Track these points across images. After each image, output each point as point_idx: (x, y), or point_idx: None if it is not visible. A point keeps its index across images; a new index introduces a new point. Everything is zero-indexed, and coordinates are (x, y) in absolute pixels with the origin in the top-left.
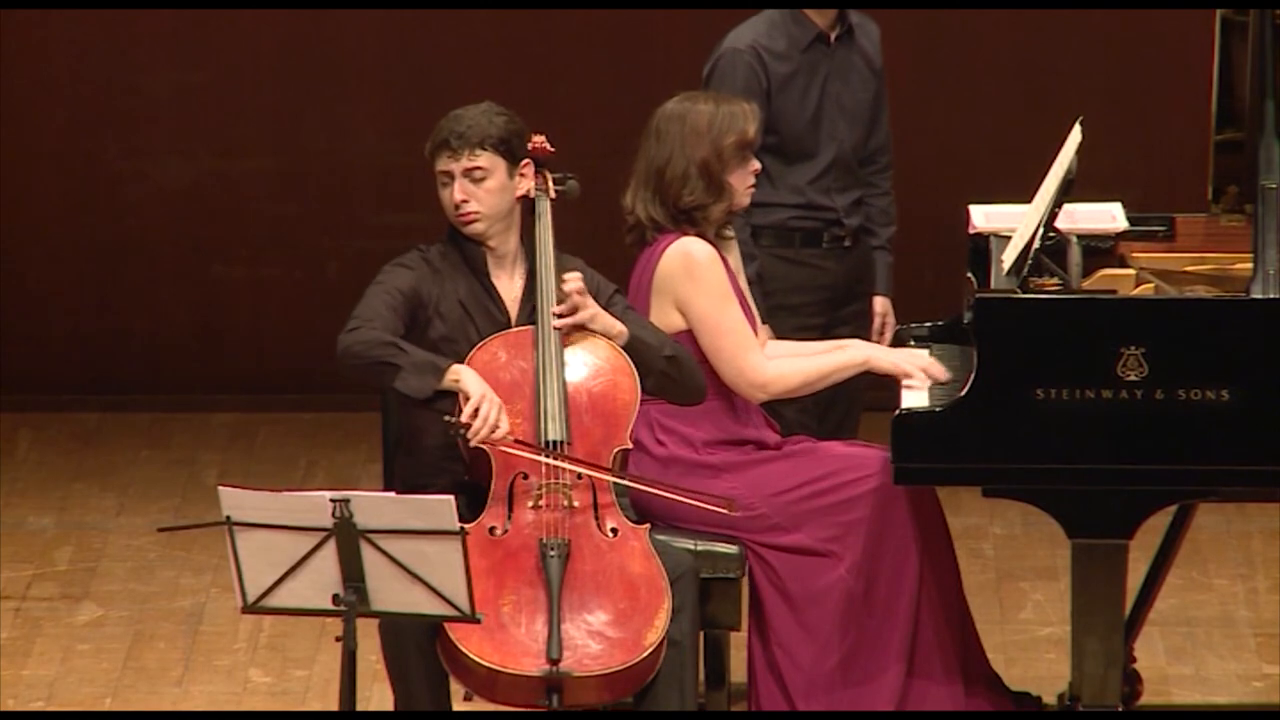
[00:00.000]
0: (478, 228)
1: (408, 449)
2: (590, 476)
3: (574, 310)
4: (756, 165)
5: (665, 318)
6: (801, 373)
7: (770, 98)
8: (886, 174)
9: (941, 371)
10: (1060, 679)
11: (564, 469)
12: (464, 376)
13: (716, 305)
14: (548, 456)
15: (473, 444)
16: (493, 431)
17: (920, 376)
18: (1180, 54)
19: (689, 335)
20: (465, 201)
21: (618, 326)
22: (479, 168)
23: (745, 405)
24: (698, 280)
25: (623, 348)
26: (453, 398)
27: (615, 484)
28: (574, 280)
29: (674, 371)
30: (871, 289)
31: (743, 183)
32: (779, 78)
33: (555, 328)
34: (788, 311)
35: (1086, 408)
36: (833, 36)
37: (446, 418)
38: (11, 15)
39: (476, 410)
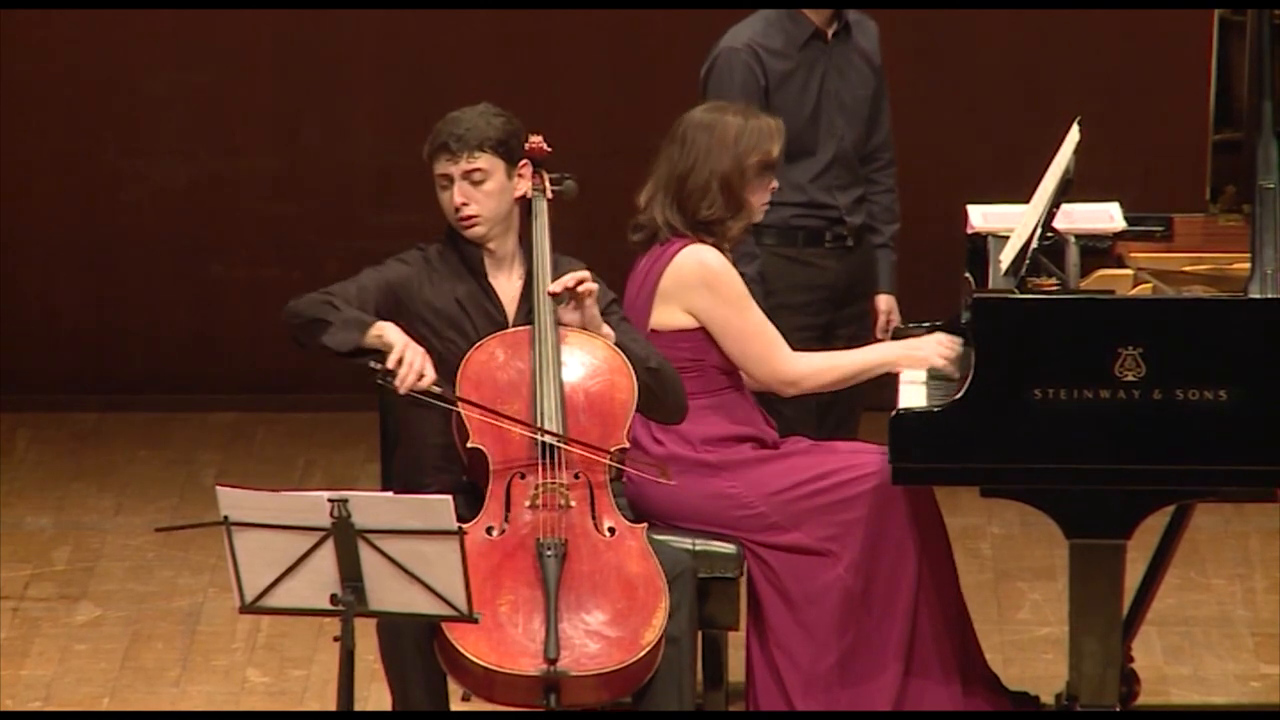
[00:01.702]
0: (478, 231)
1: (405, 449)
2: (584, 471)
3: (580, 282)
4: (775, 184)
5: (670, 319)
6: (835, 369)
7: (768, 96)
8: (889, 171)
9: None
10: (1058, 679)
11: (561, 452)
12: (386, 330)
13: (739, 312)
14: (509, 422)
15: (401, 391)
16: (419, 379)
17: (947, 363)
18: (1178, 54)
19: (694, 334)
20: (466, 205)
21: (605, 328)
22: (478, 169)
23: (743, 404)
24: (716, 290)
25: None
26: (380, 356)
27: (610, 480)
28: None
29: (654, 384)
30: (874, 288)
31: (760, 200)
32: (776, 75)
33: (551, 292)
34: (789, 310)
35: (1084, 408)
36: (830, 34)
37: (371, 364)
38: (11, 15)
39: (400, 359)
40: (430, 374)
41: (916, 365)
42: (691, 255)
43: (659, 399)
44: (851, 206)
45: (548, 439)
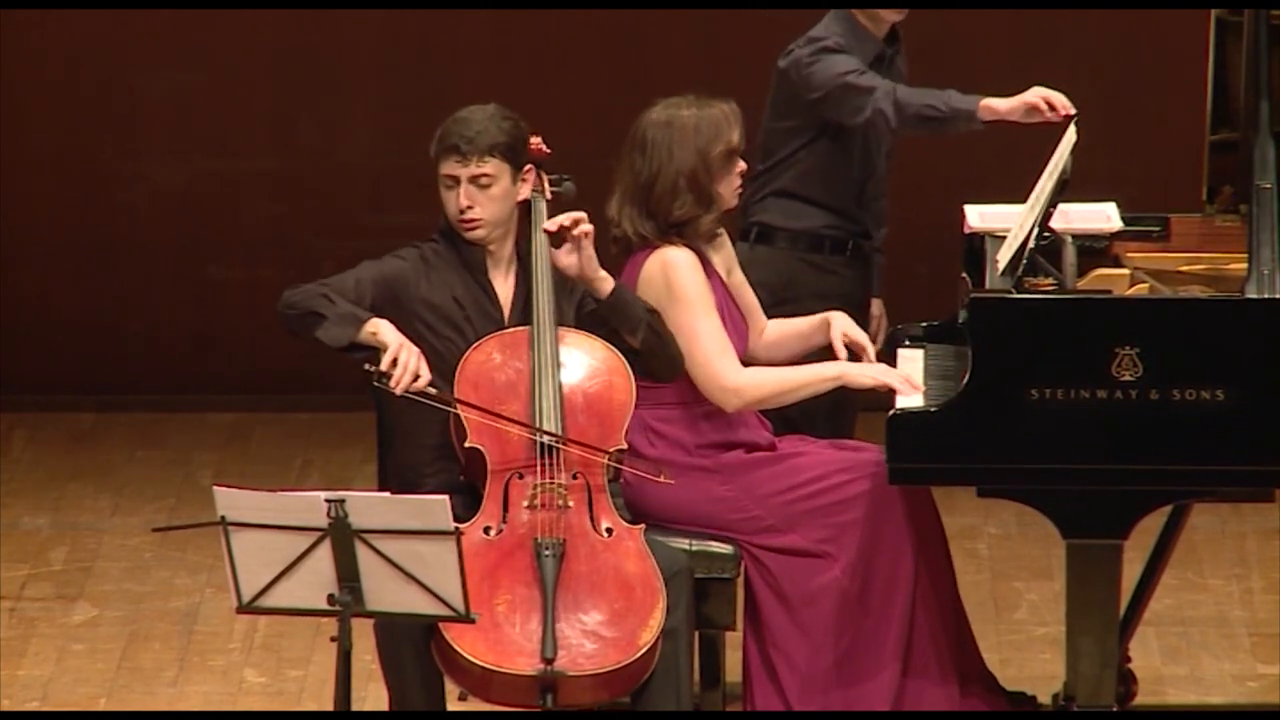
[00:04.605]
0: (479, 234)
1: (402, 449)
2: (582, 472)
3: (576, 223)
4: (743, 165)
5: None
6: (775, 381)
7: None
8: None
9: (918, 383)
10: (1055, 679)
11: (557, 454)
12: (381, 328)
13: (690, 311)
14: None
15: (397, 392)
16: (414, 379)
17: (902, 387)
18: (1176, 54)
19: None
20: (470, 208)
21: (603, 272)
22: (486, 174)
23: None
24: (673, 287)
25: (607, 297)
26: (375, 354)
27: (608, 481)
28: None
29: (659, 327)
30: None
31: (730, 187)
32: None
33: (547, 230)
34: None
35: (1081, 408)
36: (889, 53)
37: (366, 366)
38: (9, 16)
39: (395, 359)
40: (425, 374)
41: (865, 383)
42: (656, 258)
43: (661, 349)
44: (873, 217)
45: (545, 439)
